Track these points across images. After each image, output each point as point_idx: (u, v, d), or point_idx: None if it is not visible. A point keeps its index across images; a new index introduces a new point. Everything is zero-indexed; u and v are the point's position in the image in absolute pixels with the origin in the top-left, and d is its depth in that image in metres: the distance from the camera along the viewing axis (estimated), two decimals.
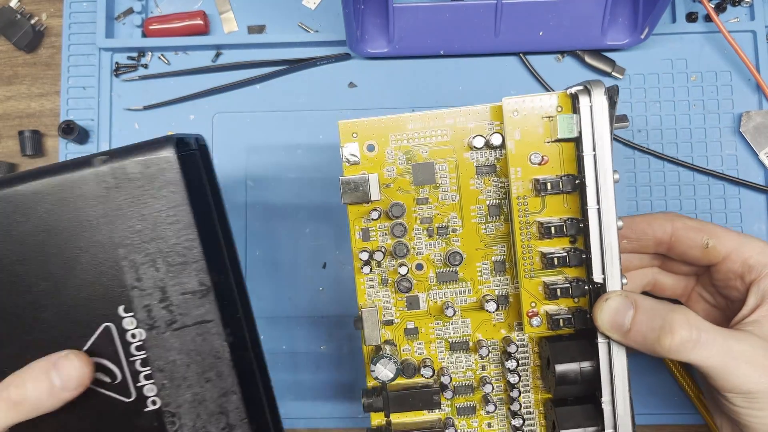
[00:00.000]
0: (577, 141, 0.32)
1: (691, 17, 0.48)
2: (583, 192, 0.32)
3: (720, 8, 0.48)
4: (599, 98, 0.31)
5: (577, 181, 0.32)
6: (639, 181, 0.47)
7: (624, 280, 0.31)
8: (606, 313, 0.31)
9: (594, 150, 0.31)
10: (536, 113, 0.33)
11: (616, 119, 0.31)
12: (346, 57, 0.49)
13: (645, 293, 0.39)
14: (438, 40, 0.47)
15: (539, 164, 0.33)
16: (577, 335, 0.34)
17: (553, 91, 0.34)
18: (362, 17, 0.46)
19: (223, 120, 0.49)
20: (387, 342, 0.36)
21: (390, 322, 0.36)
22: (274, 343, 0.47)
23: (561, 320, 0.33)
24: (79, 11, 0.50)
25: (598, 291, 0.32)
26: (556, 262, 0.32)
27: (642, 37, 0.46)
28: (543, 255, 0.33)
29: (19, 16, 0.50)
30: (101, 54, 0.49)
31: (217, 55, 0.49)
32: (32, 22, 0.50)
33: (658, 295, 0.40)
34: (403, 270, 0.35)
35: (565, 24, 0.46)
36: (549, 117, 0.32)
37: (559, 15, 0.45)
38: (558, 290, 0.32)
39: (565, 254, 0.32)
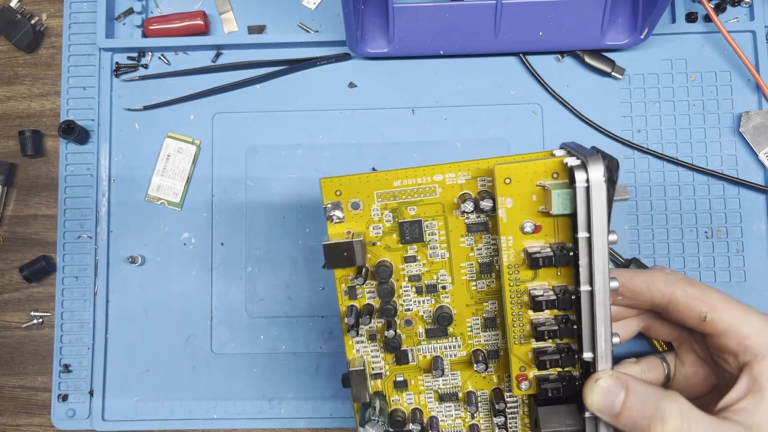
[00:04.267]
0: (572, 216, 0.29)
1: (690, 17, 0.48)
2: (576, 269, 0.30)
3: (719, 8, 0.48)
4: (597, 176, 0.28)
5: (571, 254, 0.30)
6: (639, 181, 0.47)
7: (616, 339, 0.30)
8: (596, 394, 0.30)
9: (589, 232, 0.29)
10: (530, 180, 0.30)
11: (617, 192, 0.29)
12: (346, 57, 0.49)
13: (640, 335, 0.40)
14: (438, 40, 0.47)
15: (532, 233, 0.30)
16: (567, 397, 0.32)
17: (548, 152, 0.31)
18: (362, 17, 0.46)
19: (223, 120, 0.49)
20: (377, 394, 0.35)
21: (379, 375, 0.35)
22: (274, 343, 0.47)
23: (549, 390, 0.32)
24: (80, 11, 0.50)
25: (589, 364, 0.31)
26: (546, 335, 0.31)
27: (642, 37, 0.46)
28: (533, 325, 0.31)
29: (19, 16, 0.50)
30: (101, 54, 0.49)
31: (217, 56, 0.49)
32: (32, 22, 0.50)
33: (653, 337, 0.40)
34: (390, 333, 0.33)
35: (565, 24, 0.46)
36: (543, 186, 0.30)
37: (559, 15, 0.45)
38: (547, 362, 0.31)
39: (556, 327, 0.31)
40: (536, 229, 0.30)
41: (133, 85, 0.49)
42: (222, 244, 0.48)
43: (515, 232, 0.31)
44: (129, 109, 0.49)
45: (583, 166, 0.28)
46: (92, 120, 0.49)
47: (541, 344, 0.32)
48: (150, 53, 0.49)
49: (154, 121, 0.49)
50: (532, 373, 0.33)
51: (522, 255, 0.31)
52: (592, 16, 0.45)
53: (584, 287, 0.29)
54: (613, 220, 0.47)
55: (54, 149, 0.50)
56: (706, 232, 0.47)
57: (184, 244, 0.48)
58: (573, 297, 0.30)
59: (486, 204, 0.31)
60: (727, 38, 0.45)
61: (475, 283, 0.34)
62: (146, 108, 0.49)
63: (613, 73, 0.47)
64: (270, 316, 0.47)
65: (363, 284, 0.33)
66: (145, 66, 0.49)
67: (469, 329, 0.34)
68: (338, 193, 0.33)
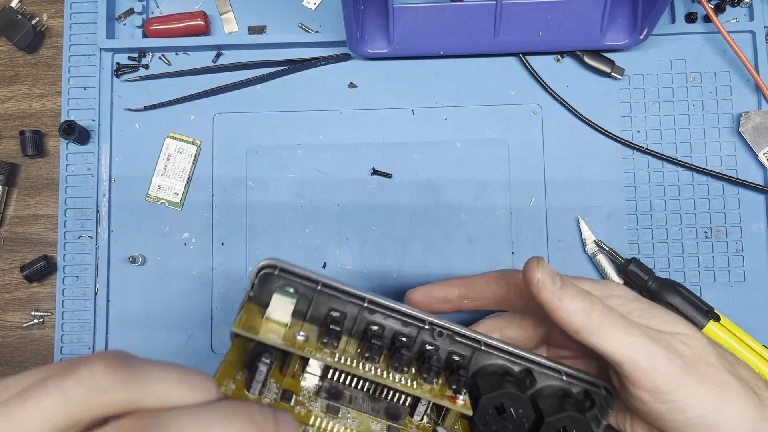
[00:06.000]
0: (300, 299, 0.31)
1: (690, 18, 0.48)
2: (345, 318, 0.31)
3: (719, 8, 0.48)
4: (268, 266, 0.30)
5: (334, 313, 0.31)
6: (638, 181, 0.47)
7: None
8: (545, 267, 0.30)
9: (316, 282, 0.31)
10: (272, 330, 0.30)
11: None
12: (346, 57, 0.49)
13: None
14: (438, 40, 0.47)
15: (306, 338, 0.30)
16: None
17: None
18: (362, 18, 0.46)
19: (224, 120, 0.49)
20: None
21: None
22: None
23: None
24: (80, 12, 0.50)
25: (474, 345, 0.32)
26: (433, 363, 0.31)
27: (641, 37, 0.46)
28: (419, 373, 0.31)
29: (20, 16, 0.50)
30: (102, 54, 0.49)
31: (218, 56, 0.49)
32: (33, 22, 0.50)
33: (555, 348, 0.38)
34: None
35: (565, 24, 0.46)
36: (274, 321, 0.30)
37: (558, 15, 0.45)
38: (459, 382, 0.31)
39: (431, 353, 0.31)
40: (301, 335, 0.30)
41: (134, 85, 0.49)
42: (222, 244, 0.48)
43: (306, 347, 0.30)
44: (129, 110, 0.49)
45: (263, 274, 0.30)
46: (93, 120, 0.49)
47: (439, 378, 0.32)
48: (150, 53, 0.50)
49: (154, 121, 0.49)
50: (460, 396, 0.32)
51: (340, 352, 0.31)
52: (592, 17, 0.45)
53: (360, 305, 0.31)
54: (613, 220, 0.47)
55: (55, 149, 0.50)
56: (705, 232, 0.47)
57: (185, 244, 0.48)
58: (403, 338, 0.31)
59: (263, 365, 0.30)
60: (726, 38, 0.45)
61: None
62: (147, 108, 0.49)
63: (612, 74, 0.47)
64: None
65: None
66: (146, 66, 0.50)
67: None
68: None
